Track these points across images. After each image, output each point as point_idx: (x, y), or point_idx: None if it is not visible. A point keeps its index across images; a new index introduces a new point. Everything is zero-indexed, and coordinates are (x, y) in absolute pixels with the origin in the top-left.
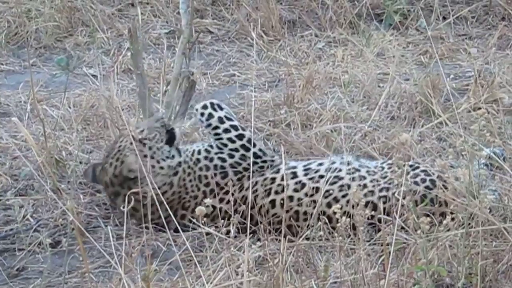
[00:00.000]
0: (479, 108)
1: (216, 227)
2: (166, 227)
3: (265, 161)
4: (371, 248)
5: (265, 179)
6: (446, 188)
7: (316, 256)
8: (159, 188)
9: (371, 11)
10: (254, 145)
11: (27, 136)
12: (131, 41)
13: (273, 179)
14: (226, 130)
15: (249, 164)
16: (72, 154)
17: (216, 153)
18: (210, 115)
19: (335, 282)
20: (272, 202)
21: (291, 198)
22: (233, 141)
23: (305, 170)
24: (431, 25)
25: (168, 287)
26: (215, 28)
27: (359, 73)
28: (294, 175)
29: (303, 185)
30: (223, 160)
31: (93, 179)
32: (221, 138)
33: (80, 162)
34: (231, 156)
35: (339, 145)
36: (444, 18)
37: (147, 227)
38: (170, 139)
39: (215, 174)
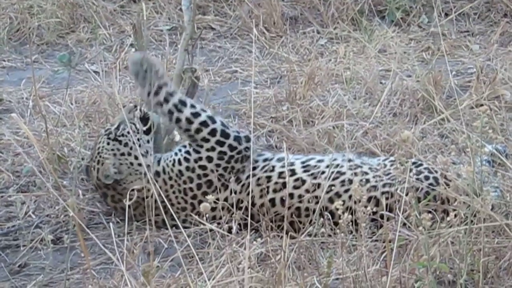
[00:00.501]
0: (481, 105)
1: (218, 223)
2: (168, 224)
3: (240, 152)
4: (373, 244)
5: (259, 179)
6: (448, 185)
7: (318, 252)
8: (140, 190)
9: (373, 8)
10: (228, 136)
11: (29, 132)
12: (135, 37)
13: (269, 177)
14: (198, 130)
15: (227, 162)
16: (74, 151)
17: (195, 161)
18: (178, 119)
19: (337, 279)
20: (272, 201)
21: (291, 195)
22: (207, 140)
23: (304, 167)
24: (433, 22)
25: (170, 283)
26: (217, 24)
27: (361, 70)
28: (293, 172)
29: (303, 181)
30: (204, 168)
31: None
32: (195, 140)
33: (82, 159)
34: (210, 160)
35: (341, 142)
36: (446, 15)
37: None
38: (148, 128)
39: (200, 186)
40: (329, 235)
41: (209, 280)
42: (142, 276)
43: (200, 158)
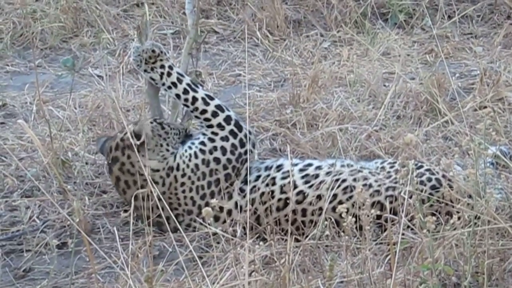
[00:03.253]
0: (485, 107)
1: (222, 227)
2: (168, 227)
3: (246, 151)
4: (378, 247)
5: (262, 194)
6: (451, 187)
7: (322, 255)
8: (156, 171)
9: (376, 10)
10: (241, 128)
11: (33, 137)
12: (140, 39)
13: (272, 192)
14: (214, 114)
15: (236, 160)
16: (78, 155)
17: (210, 152)
18: (195, 98)
19: (342, 282)
20: (278, 221)
21: (294, 211)
22: (222, 127)
23: (303, 177)
24: (437, 24)
25: (175, 287)
26: (221, 28)
27: (365, 73)
28: (294, 185)
29: (305, 195)
30: (218, 161)
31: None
32: (211, 126)
33: (86, 163)
34: (224, 152)
35: (344, 145)
36: (450, 17)
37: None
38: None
39: (210, 184)
40: (333, 238)
41: (213, 284)
42: (145, 282)
43: (215, 148)
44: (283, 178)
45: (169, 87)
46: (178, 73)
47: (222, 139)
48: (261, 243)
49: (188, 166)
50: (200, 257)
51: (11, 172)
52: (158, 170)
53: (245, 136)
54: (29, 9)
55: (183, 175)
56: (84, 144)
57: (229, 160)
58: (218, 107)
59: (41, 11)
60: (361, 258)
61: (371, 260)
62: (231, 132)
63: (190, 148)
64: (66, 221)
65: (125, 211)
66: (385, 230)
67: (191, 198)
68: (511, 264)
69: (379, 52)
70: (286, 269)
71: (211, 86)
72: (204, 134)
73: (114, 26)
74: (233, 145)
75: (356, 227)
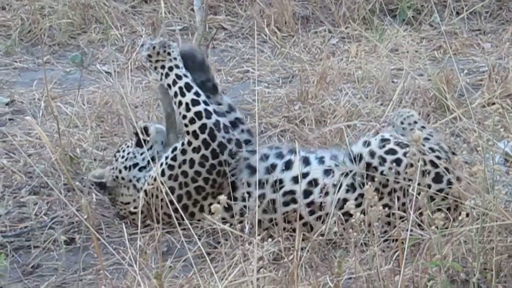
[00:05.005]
0: (493, 103)
1: (231, 224)
2: (177, 225)
3: (220, 163)
4: (386, 243)
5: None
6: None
7: (331, 252)
8: (126, 204)
9: (385, 7)
10: (214, 138)
11: (41, 133)
12: (154, 35)
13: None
14: (191, 120)
15: (208, 172)
16: (86, 151)
17: (179, 166)
18: (180, 103)
19: (350, 278)
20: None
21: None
22: (196, 136)
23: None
24: (445, 20)
25: (183, 283)
26: (229, 24)
27: (373, 69)
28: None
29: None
30: (185, 175)
31: None
32: (188, 133)
33: (95, 159)
34: (192, 165)
35: (353, 141)
36: (458, 13)
37: (168, 222)
38: (139, 139)
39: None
40: (341, 235)
41: (221, 280)
42: (154, 279)
43: (184, 161)
44: (294, 182)
45: (167, 88)
46: (176, 75)
47: (194, 150)
48: (269, 239)
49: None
50: (209, 253)
51: (19, 169)
52: (128, 203)
53: (219, 145)
54: (37, 6)
55: (152, 196)
56: (92, 140)
57: (197, 173)
58: (198, 113)
59: (49, 8)
60: (370, 255)
61: (380, 257)
62: (204, 141)
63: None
64: (74, 217)
65: (134, 207)
66: (394, 227)
67: (164, 213)
68: None
69: (387, 49)
70: (295, 265)
71: (219, 83)
72: (182, 143)
73: (122, 22)
74: (203, 156)
75: (364, 224)
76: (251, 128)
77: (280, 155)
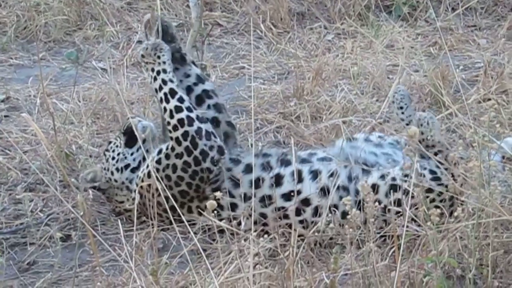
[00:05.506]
0: (489, 99)
1: (229, 220)
2: (173, 221)
3: (202, 170)
4: (382, 240)
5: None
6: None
7: (327, 248)
8: (120, 202)
9: (380, 3)
10: (196, 146)
11: (37, 130)
12: (149, 31)
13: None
14: (174, 127)
15: (191, 177)
16: (82, 148)
17: (163, 170)
18: (164, 109)
19: (346, 274)
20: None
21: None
22: (179, 143)
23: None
24: (440, 16)
25: (179, 280)
26: (224, 20)
27: (369, 65)
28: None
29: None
30: (169, 178)
31: None
32: (172, 138)
33: (90, 156)
34: (174, 170)
35: (348, 138)
36: (453, 9)
37: (161, 221)
38: (128, 139)
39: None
40: (338, 232)
41: (217, 276)
42: (150, 275)
43: (167, 166)
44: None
45: (155, 92)
46: (163, 80)
47: (177, 156)
48: (265, 236)
49: (142, 187)
50: (204, 250)
51: (15, 165)
52: (122, 202)
53: (201, 153)
54: (32, 2)
55: (141, 197)
56: (88, 137)
57: (180, 178)
58: (180, 121)
59: (44, 4)
60: (366, 251)
61: (375, 253)
62: (186, 148)
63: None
64: (70, 214)
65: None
66: (390, 223)
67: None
68: None
69: (383, 45)
70: (291, 261)
71: (215, 79)
72: (167, 147)
73: (118, 19)
74: (185, 162)
75: (360, 219)
76: (220, 102)
77: (267, 167)
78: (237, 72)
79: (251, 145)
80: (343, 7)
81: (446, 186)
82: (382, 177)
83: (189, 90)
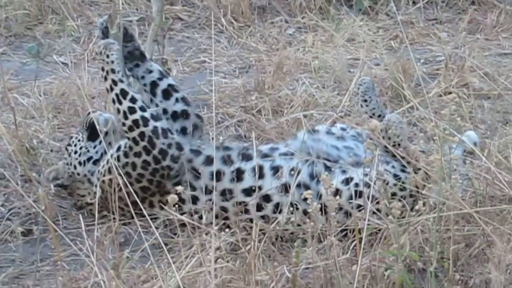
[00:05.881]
0: (450, 93)
1: (191, 214)
2: (134, 216)
3: (163, 167)
4: (343, 234)
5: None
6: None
7: (288, 242)
8: (82, 196)
9: None
10: (154, 146)
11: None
12: (111, 26)
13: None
14: (130, 128)
15: (152, 174)
16: (43, 142)
17: (123, 167)
18: (118, 111)
19: (307, 268)
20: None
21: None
22: (136, 142)
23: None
24: (401, 10)
25: (140, 274)
26: (185, 15)
27: (330, 59)
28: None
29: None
30: (129, 175)
31: None
32: (129, 138)
33: (51, 150)
34: (134, 168)
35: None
36: (414, 3)
37: (122, 215)
38: (91, 133)
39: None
40: (299, 225)
41: (179, 270)
42: (112, 269)
43: (127, 164)
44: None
45: (107, 91)
46: (112, 80)
47: (135, 154)
48: (226, 230)
49: (104, 181)
50: (166, 244)
51: None
52: (84, 196)
53: (160, 152)
54: None
55: (103, 191)
56: (49, 131)
57: (141, 175)
58: (135, 122)
59: None
60: (327, 245)
61: (337, 247)
62: (144, 148)
63: (105, 165)
64: (31, 208)
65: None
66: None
67: (119, 206)
68: (476, 250)
69: (344, 38)
70: (252, 255)
71: (176, 73)
72: (125, 145)
73: (79, 13)
74: (144, 161)
75: (322, 212)
76: (186, 96)
77: (228, 161)
78: (198, 66)
79: (212, 138)
80: (304, 1)
81: (404, 188)
82: (346, 181)
83: (154, 85)
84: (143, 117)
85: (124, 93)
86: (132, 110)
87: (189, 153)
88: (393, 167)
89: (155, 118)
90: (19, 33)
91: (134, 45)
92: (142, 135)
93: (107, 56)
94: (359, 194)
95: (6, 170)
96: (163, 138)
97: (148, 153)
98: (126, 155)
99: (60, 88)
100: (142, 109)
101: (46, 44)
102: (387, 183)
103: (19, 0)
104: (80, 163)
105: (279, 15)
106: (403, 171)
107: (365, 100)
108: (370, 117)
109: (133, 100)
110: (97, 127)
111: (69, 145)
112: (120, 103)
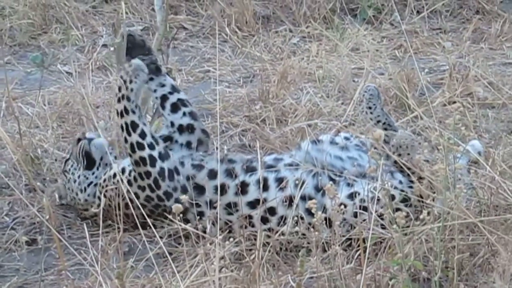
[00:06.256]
0: (454, 102)
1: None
2: (139, 226)
3: (166, 206)
4: (348, 243)
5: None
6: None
7: (292, 251)
8: (85, 210)
9: (345, 6)
10: (159, 187)
11: (2, 134)
12: (114, 35)
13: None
14: (136, 163)
15: (154, 207)
16: (47, 152)
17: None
18: (125, 140)
19: (312, 277)
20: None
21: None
22: (141, 178)
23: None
24: (405, 19)
25: (145, 283)
26: (190, 24)
27: (334, 68)
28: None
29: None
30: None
31: None
32: (133, 170)
33: (56, 160)
34: (137, 197)
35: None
36: (418, 12)
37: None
38: (87, 163)
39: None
40: (303, 234)
41: (183, 279)
42: (116, 279)
43: (129, 191)
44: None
45: (116, 112)
46: (125, 107)
47: (139, 187)
48: (231, 239)
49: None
50: (170, 253)
51: None
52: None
53: (165, 194)
54: None
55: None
56: (54, 141)
57: (143, 205)
58: (142, 159)
59: (10, 8)
60: (331, 254)
61: (341, 256)
62: (149, 186)
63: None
64: (35, 218)
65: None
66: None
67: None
68: (481, 259)
69: (348, 48)
70: (256, 265)
71: (180, 82)
72: (129, 173)
73: (83, 22)
74: (148, 196)
75: (326, 221)
76: (195, 111)
77: (232, 174)
78: (203, 76)
79: (217, 148)
80: (308, 10)
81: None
82: (351, 196)
83: (164, 98)
84: (151, 156)
85: (134, 125)
86: (140, 146)
87: (190, 169)
88: (400, 182)
89: (163, 157)
90: (23, 42)
91: (151, 59)
92: (148, 174)
93: (130, 82)
94: (364, 209)
95: (10, 179)
96: (169, 181)
97: (152, 191)
98: (129, 183)
99: (64, 98)
100: (151, 146)
101: (51, 53)
102: (393, 198)
103: (24, 10)
104: (81, 190)
105: (283, 25)
106: (410, 187)
107: (370, 107)
108: (375, 124)
109: (143, 135)
110: (92, 155)
111: (65, 171)
112: (129, 134)
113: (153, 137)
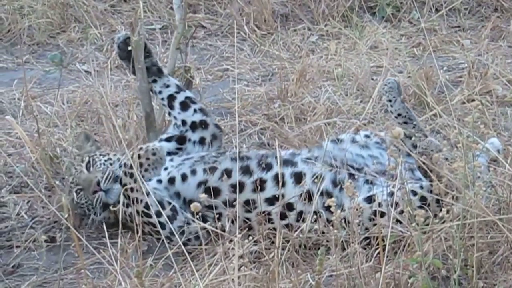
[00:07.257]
0: (473, 100)
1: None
2: (157, 224)
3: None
4: (367, 241)
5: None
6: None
7: (311, 250)
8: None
9: (364, 4)
10: (164, 227)
11: (21, 133)
12: (132, 34)
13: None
14: (148, 223)
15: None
16: (66, 151)
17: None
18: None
19: (331, 276)
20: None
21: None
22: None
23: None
24: (424, 17)
25: (164, 282)
26: (208, 22)
27: (353, 66)
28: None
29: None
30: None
31: None
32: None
33: (74, 158)
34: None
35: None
36: (437, 10)
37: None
38: (104, 205)
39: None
40: (322, 232)
41: (202, 278)
42: (135, 278)
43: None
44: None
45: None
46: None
47: (149, 223)
48: (250, 237)
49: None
50: (189, 252)
51: (0, 168)
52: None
53: (171, 232)
54: (16, 5)
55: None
56: (72, 139)
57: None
58: (152, 224)
59: (28, 7)
60: (350, 252)
61: (360, 254)
62: (159, 224)
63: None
64: (54, 216)
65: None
66: (375, 224)
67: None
68: (500, 257)
69: (367, 46)
70: (275, 263)
71: (199, 81)
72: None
73: (102, 21)
74: (156, 230)
75: (345, 221)
76: (204, 107)
77: (247, 172)
78: (221, 74)
79: (235, 146)
80: (327, 9)
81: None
82: (369, 200)
83: (171, 98)
84: (160, 222)
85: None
86: (147, 216)
87: (202, 175)
88: (421, 187)
89: (171, 218)
90: (42, 41)
91: (152, 61)
92: (159, 231)
93: (145, 170)
94: (381, 214)
95: (29, 178)
96: (180, 234)
97: (163, 228)
98: (137, 212)
99: (83, 96)
100: (158, 214)
101: (69, 52)
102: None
103: (42, 9)
104: (99, 213)
105: (301, 23)
106: (431, 191)
107: (390, 100)
108: (396, 117)
109: (147, 207)
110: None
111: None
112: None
113: (158, 204)
